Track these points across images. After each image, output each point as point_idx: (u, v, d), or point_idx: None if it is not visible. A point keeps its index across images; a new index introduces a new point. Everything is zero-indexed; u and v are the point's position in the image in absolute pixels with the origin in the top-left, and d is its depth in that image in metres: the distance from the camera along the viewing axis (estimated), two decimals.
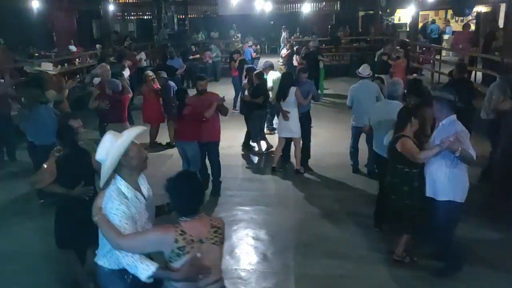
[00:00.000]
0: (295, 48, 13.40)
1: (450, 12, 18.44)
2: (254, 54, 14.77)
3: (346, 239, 4.82)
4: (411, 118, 4.00)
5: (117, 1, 19.49)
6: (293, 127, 6.52)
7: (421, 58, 14.36)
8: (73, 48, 15.90)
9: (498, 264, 4.22)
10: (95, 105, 6.76)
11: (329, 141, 8.25)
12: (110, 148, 2.50)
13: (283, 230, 5.07)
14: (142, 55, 13.17)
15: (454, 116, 3.83)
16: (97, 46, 14.75)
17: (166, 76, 8.43)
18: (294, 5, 21.67)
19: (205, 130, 5.76)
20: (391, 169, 4.16)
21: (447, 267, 4.10)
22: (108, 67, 8.37)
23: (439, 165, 3.80)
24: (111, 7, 16.80)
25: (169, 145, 8.24)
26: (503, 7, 13.63)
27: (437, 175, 3.83)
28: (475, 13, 16.22)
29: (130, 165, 2.57)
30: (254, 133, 7.76)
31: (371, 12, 19.92)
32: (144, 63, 13.26)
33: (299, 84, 6.64)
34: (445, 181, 3.80)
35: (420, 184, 3.97)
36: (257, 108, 7.47)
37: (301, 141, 6.68)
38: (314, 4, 21.01)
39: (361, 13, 21.18)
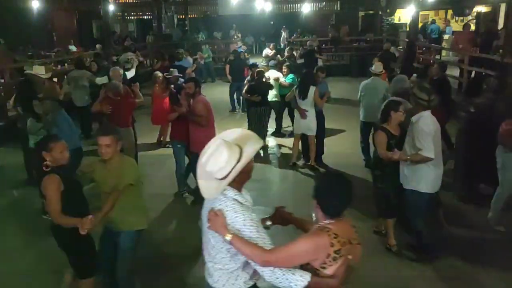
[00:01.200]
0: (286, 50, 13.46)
1: (450, 12, 18.44)
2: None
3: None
4: (392, 112, 4.23)
5: (117, 1, 19.49)
6: (311, 125, 6.70)
7: (421, 58, 14.35)
8: (73, 48, 15.90)
9: (492, 264, 4.23)
10: (97, 108, 6.20)
11: (333, 140, 8.24)
12: (227, 161, 2.20)
13: (283, 230, 5.05)
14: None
15: (425, 113, 3.98)
16: (97, 46, 14.74)
17: (177, 74, 8.50)
18: (294, 5, 21.65)
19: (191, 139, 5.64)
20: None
21: (419, 253, 4.33)
22: (121, 71, 7.88)
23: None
24: (111, 7, 16.79)
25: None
26: (503, 7, 13.64)
27: (403, 165, 4.15)
28: (475, 13, 16.24)
29: (246, 177, 2.35)
30: (254, 131, 7.78)
31: (371, 12, 19.92)
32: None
33: (316, 84, 6.75)
34: (409, 172, 4.09)
35: (393, 170, 4.22)
36: (255, 106, 7.53)
37: (315, 139, 6.83)
38: (314, 4, 21.00)
39: (361, 13, 21.16)
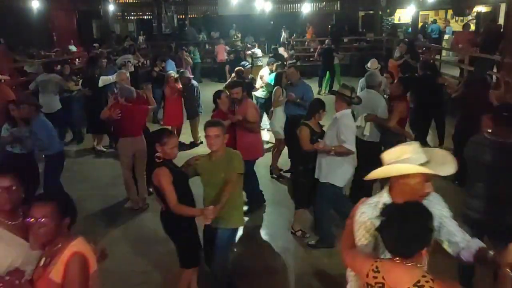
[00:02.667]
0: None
1: (450, 12, 18.44)
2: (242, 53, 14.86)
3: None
4: (321, 110, 4.54)
5: (117, 1, 19.48)
6: (277, 128, 6.57)
7: (421, 58, 14.34)
8: (73, 48, 15.89)
9: None
10: (106, 114, 5.48)
11: None
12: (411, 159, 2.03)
13: (283, 230, 5.07)
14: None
15: (347, 111, 4.35)
16: (96, 45, 14.72)
17: (189, 75, 8.50)
18: (294, 5, 21.64)
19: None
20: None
21: (318, 241, 4.65)
22: (128, 74, 7.42)
23: (323, 151, 4.37)
24: (111, 7, 16.83)
25: (194, 144, 8.40)
26: (503, 7, 13.63)
27: (321, 160, 4.43)
28: (475, 13, 16.24)
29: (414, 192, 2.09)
30: None
31: (371, 12, 19.92)
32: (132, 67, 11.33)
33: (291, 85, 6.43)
34: (328, 167, 4.37)
35: (315, 166, 4.51)
36: None
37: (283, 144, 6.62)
38: (314, 4, 21.00)
39: (361, 13, 21.17)
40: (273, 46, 16.77)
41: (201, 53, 16.74)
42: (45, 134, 5.00)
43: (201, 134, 8.63)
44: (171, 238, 3.49)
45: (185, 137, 8.52)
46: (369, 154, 4.51)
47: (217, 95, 5.31)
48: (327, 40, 14.01)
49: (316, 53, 15.15)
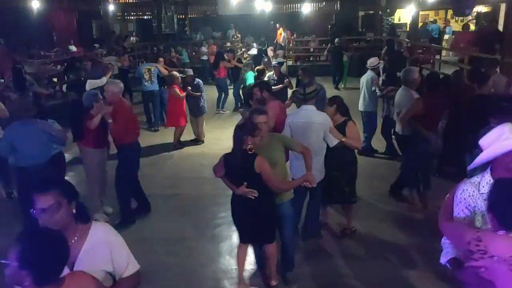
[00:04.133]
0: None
1: (450, 12, 18.42)
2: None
3: (347, 238, 4.82)
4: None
5: (117, 1, 19.47)
6: None
7: (421, 58, 14.34)
8: (73, 48, 15.89)
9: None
10: (97, 122, 5.03)
11: None
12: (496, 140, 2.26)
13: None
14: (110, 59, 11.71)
15: (306, 106, 4.32)
16: (96, 46, 14.73)
17: (192, 73, 8.54)
18: (294, 5, 21.64)
19: None
20: None
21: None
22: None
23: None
24: (111, 7, 16.80)
25: (197, 141, 8.47)
26: (503, 7, 13.63)
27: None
28: (475, 13, 16.23)
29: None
30: None
31: (371, 12, 19.91)
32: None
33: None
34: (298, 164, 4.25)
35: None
36: None
37: None
38: (314, 4, 20.99)
39: (361, 13, 21.15)
40: (259, 46, 16.82)
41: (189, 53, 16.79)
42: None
43: (205, 133, 8.67)
44: (262, 220, 3.69)
45: (189, 132, 8.59)
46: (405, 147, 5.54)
47: (250, 96, 5.57)
48: (336, 39, 14.42)
49: (325, 51, 16.01)
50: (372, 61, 7.69)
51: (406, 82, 5.68)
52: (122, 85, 5.33)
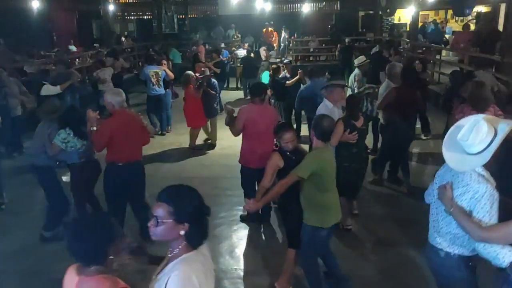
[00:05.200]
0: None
1: (450, 12, 18.43)
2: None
3: (347, 238, 4.83)
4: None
5: (117, 1, 19.47)
6: None
7: (421, 58, 14.34)
8: (73, 48, 15.90)
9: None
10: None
11: None
12: (488, 134, 2.30)
13: (283, 230, 5.06)
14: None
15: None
16: (96, 46, 14.71)
17: (208, 73, 8.48)
18: (294, 5, 21.64)
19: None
20: None
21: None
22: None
23: None
24: (111, 7, 16.80)
25: (208, 141, 8.32)
26: (503, 7, 13.62)
27: None
28: (475, 13, 16.22)
29: None
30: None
31: (371, 12, 19.92)
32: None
33: None
34: None
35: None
36: None
37: None
38: (314, 4, 20.99)
39: (361, 13, 21.16)
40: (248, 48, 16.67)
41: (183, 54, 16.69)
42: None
43: (219, 135, 8.23)
44: (288, 219, 3.87)
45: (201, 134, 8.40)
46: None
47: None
48: (347, 39, 14.61)
49: (337, 51, 16.10)
50: (359, 59, 8.01)
51: (390, 75, 6.26)
52: (123, 95, 4.57)
